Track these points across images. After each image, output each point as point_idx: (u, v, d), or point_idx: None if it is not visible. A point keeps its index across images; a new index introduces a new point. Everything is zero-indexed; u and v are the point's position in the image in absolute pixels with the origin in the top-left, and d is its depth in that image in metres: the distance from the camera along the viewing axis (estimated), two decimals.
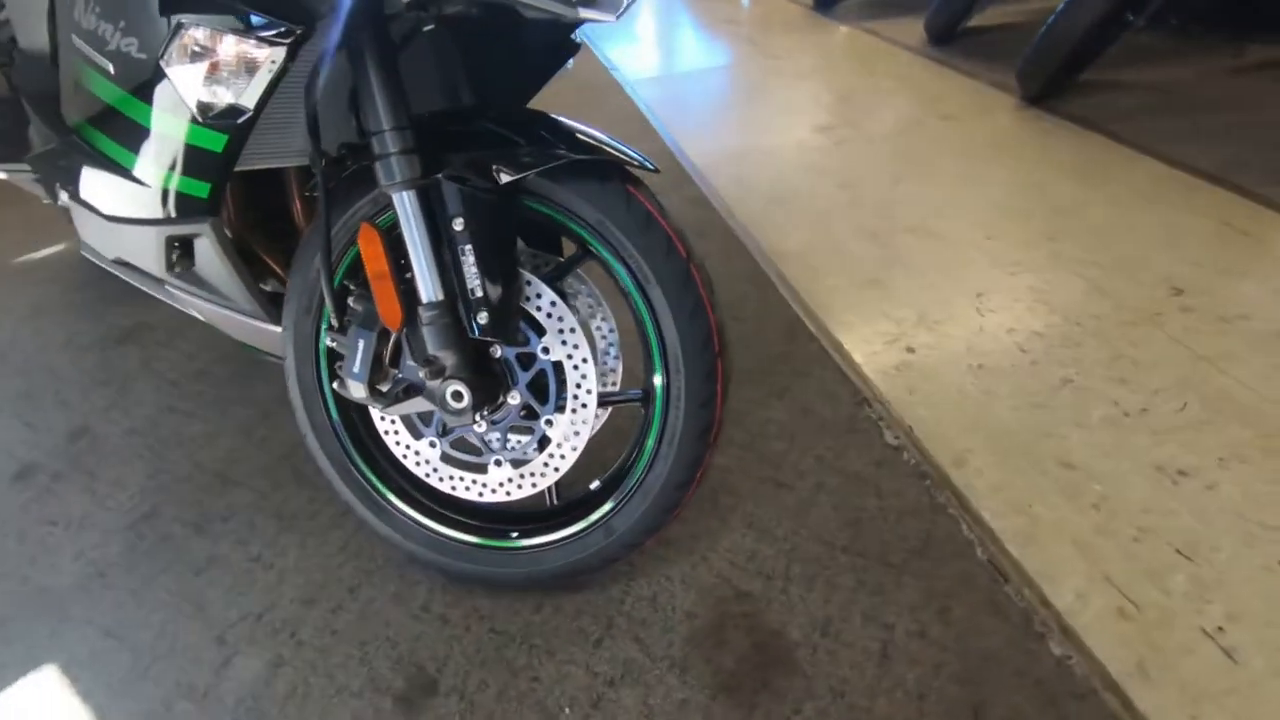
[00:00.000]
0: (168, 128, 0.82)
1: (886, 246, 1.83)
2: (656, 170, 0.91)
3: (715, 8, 4.24)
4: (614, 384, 1.07)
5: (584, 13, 0.70)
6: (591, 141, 0.88)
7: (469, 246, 0.82)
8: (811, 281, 1.71)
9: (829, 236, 1.89)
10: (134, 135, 0.85)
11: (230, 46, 0.73)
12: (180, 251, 1.00)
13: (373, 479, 1.03)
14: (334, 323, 0.90)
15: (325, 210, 0.86)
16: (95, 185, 0.96)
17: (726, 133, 2.54)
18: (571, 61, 1.07)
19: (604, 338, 1.05)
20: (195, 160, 0.85)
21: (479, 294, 0.83)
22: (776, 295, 1.68)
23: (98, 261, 1.19)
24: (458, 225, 0.81)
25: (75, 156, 0.97)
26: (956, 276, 1.69)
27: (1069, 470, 1.18)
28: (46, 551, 1.19)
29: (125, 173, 0.90)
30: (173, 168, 0.86)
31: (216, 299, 1.08)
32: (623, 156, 0.87)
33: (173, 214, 0.92)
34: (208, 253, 0.98)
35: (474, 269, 0.82)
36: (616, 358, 1.06)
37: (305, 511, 1.22)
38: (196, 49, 0.74)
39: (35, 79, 1.00)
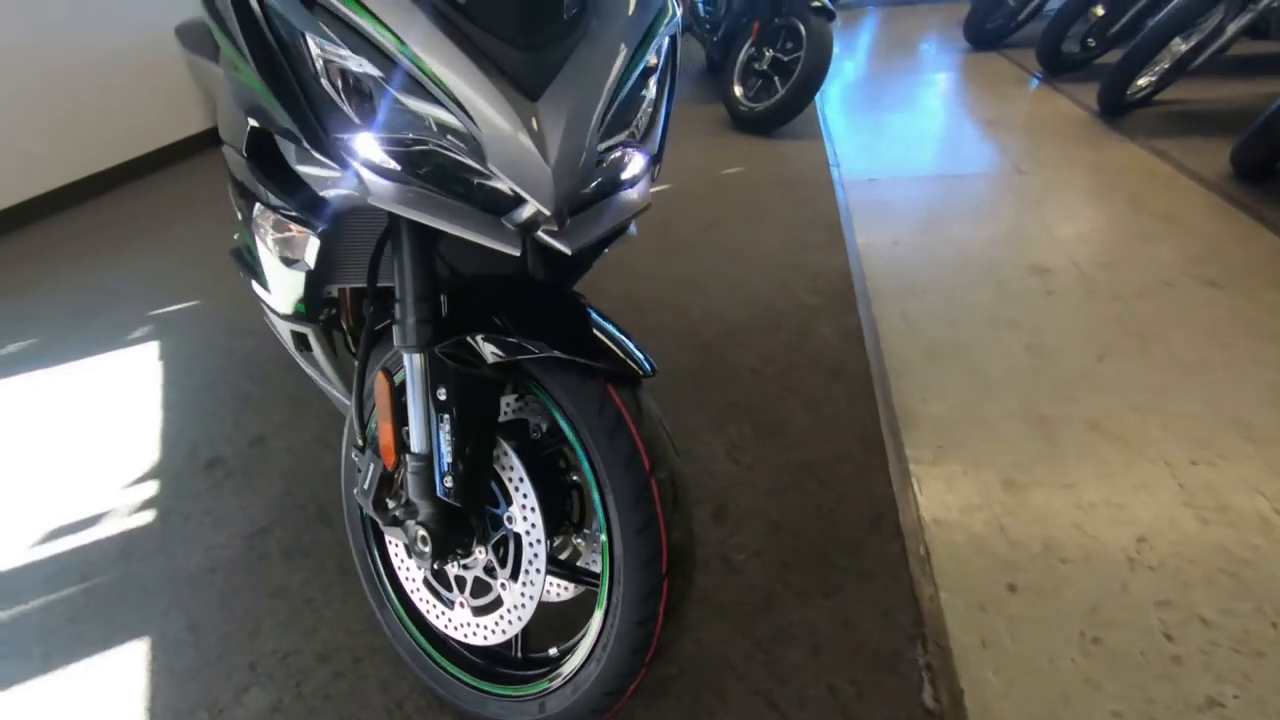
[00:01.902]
0: (269, 264, 1.01)
1: (1051, 441, 1.53)
2: (650, 374, 0.89)
3: (988, 102, 3.90)
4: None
5: (543, 236, 0.72)
6: (599, 336, 0.88)
7: (446, 416, 0.88)
8: (932, 462, 1.50)
9: (983, 410, 1.64)
10: (257, 261, 1.06)
11: (286, 226, 0.88)
12: (300, 340, 1.21)
13: (383, 574, 1.15)
14: (359, 442, 1.02)
15: (365, 347, 0.99)
16: (256, 279, 1.22)
17: (921, 257, 2.32)
18: (634, 229, 1.09)
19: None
20: (290, 286, 1.03)
21: (447, 460, 0.88)
22: (882, 469, 1.50)
23: (270, 327, 1.49)
24: (440, 395, 0.88)
25: (246, 256, 1.23)
26: (1125, 505, 1.36)
27: None
28: (192, 537, 1.51)
29: (262, 281, 1.13)
30: (281, 288, 1.06)
31: (325, 380, 1.30)
32: (617, 357, 0.87)
33: (287, 315, 1.12)
34: (315, 346, 1.18)
35: (447, 437, 0.88)
36: None
37: (358, 572, 1.39)
38: (267, 223, 0.91)
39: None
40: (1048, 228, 2.43)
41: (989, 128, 3.49)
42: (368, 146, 0.71)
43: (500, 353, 0.86)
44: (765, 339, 1.98)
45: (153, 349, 2.22)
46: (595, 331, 0.90)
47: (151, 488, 1.66)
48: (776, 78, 3.66)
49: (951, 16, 6.26)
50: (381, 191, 0.71)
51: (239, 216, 1.16)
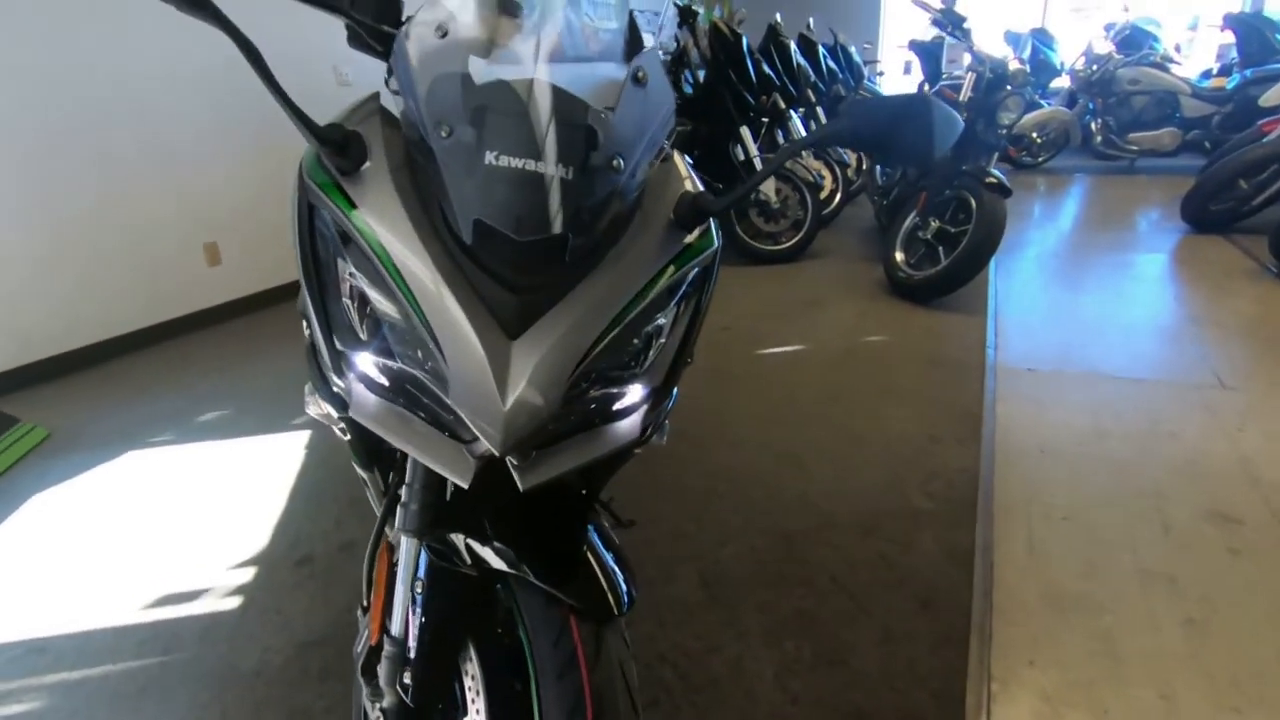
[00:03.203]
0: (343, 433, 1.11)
1: None
2: (624, 613, 0.83)
3: (1200, 295, 3.44)
4: None
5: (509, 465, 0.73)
6: (585, 559, 0.85)
7: (419, 608, 0.88)
8: None
9: (1107, 695, 1.32)
10: None
11: (321, 405, 0.97)
12: (362, 482, 1.31)
13: None
14: (365, 603, 1.06)
15: (383, 515, 1.04)
16: None
17: (1070, 474, 2.01)
18: (663, 437, 1.06)
19: None
20: (353, 451, 1.13)
21: (411, 654, 0.88)
22: None
23: None
24: (418, 587, 0.88)
25: None
26: None
27: None
28: (259, 633, 1.62)
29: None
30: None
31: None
32: (591, 589, 0.82)
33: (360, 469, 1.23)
34: (370, 490, 1.27)
35: (416, 630, 0.88)
36: None
37: None
38: (314, 397, 1.01)
39: None
40: (1247, 464, 2.01)
41: (1194, 325, 3.04)
42: (365, 363, 0.77)
43: (476, 557, 0.86)
44: (857, 542, 1.79)
45: (304, 437, 2.52)
46: (585, 552, 0.87)
47: (249, 573, 1.83)
48: (941, 248, 3.53)
49: (1173, 191, 5.72)
50: (359, 406, 0.76)
51: None
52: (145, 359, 3.38)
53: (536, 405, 0.70)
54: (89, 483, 2.29)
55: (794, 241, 4.46)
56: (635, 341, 0.82)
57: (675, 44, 5.01)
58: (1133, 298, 3.45)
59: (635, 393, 0.83)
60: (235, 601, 1.73)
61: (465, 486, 0.73)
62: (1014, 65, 3.56)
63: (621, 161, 0.77)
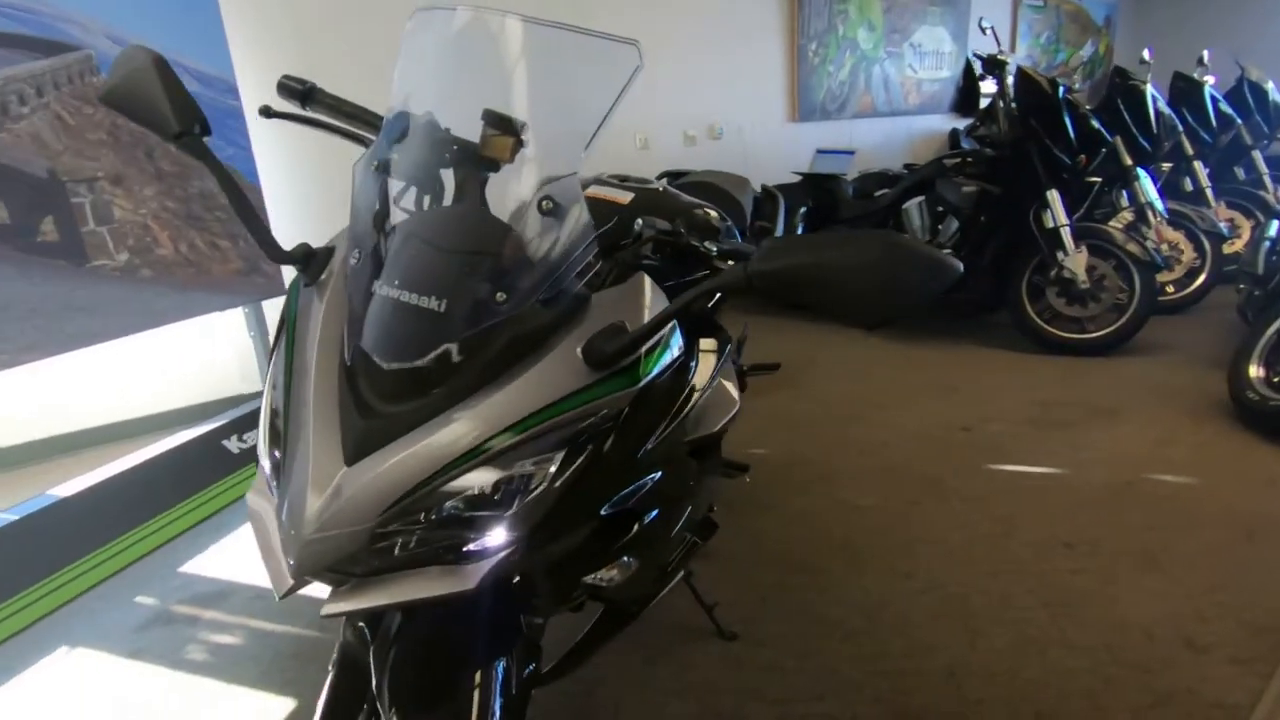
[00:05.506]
0: None
1: None
2: None
3: None
4: None
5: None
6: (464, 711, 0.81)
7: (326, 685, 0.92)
8: None
9: None
10: None
11: None
12: None
13: None
14: None
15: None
16: None
17: None
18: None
19: None
20: None
21: None
22: None
23: None
24: (329, 665, 0.93)
25: None
26: None
27: None
28: None
29: None
30: None
31: None
32: None
33: None
34: None
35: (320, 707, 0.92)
36: None
37: None
38: None
39: None
40: None
41: None
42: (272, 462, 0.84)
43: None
44: None
45: None
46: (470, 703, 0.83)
47: None
48: None
49: None
50: (254, 497, 0.82)
51: None
52: None
53: (337, 535, 0.69)
54: None
55: (1108, 330, 3.56)
56: (505, 480, 0.76)
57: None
58: None
59: (495, 536, 0.76)
60: None
61: (278, 599, 0.75)
62: None
63: (505, 294, 0.75)
